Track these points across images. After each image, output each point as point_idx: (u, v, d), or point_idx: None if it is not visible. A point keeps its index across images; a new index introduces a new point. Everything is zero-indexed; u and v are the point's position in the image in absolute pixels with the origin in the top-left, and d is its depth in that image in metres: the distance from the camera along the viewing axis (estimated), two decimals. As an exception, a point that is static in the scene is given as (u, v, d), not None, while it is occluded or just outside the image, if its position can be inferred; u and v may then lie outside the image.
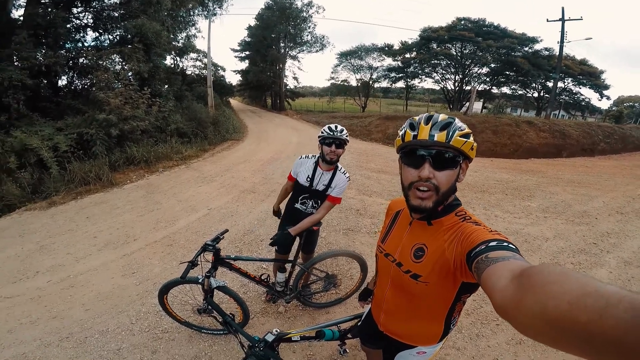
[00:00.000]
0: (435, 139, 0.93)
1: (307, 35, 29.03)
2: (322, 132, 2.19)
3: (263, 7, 27.33)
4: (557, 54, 20.09)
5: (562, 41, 18.41)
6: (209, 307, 2.15)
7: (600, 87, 27.93)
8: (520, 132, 13.45)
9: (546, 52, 26.16)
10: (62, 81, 9.68)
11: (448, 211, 1.02)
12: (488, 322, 2.79)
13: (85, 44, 10.45)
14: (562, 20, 18.02)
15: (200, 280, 2.09)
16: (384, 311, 1.24)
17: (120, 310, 2.78)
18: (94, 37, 10.70)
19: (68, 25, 9.36)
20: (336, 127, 2.18)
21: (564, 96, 29.06)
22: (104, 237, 4.12)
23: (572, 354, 0.39)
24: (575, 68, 26.48)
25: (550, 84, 24.97)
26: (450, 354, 2.43)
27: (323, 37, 29.53)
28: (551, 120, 17.11)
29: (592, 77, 27.42)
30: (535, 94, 29.89)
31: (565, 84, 28.23)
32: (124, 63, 9.46)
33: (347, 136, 2.20)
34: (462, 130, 0.95)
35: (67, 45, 9.70)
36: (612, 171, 10.46)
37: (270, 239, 2.30)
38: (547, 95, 27.11)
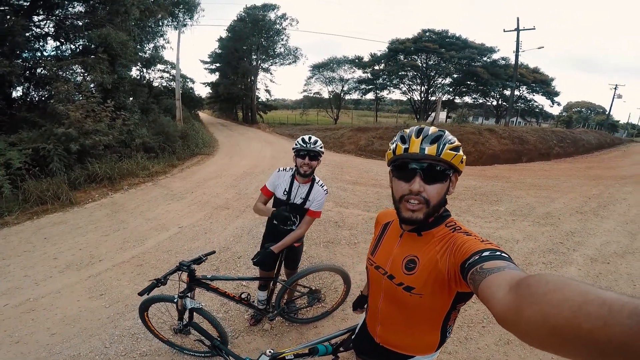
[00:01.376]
0: (426, 152, 0.94)
1: (280, 48, 29.28)
2: (295, 144, 2.17)
3: (235, 18, 27.38)
4: (513, 63, 21.62)
5: (517, 50, 19.84)
6: (186, 327, 2.11)
7: (551, 94, 30.43)
8: (483, 139, 14.24)
9: (503, 61, 28.23)
10: (17, 92, 9.05)
11: (438, 222, 1.03)
12: (474, 325, 2.85)
13: (45, 54, 9.88)
14: (517, 30, 19.45)
15: (174, 300, 2.02)
16: (380, 323, 1.22)
17: (91, 334, 2.60)
18: (55, 46, 10.16)
19: (27, 34, 8.81)
20: (310, 138, 2.17)
21: (520, 104, 31.28)
22: (66, 258, 3.83)
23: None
24: (529, 76, 28.71)
25: (507, 93, 26.81)
26: (443, 359, 2.45)
27: (296, 49, 29.82)
28: (510, 127, 18.31)
29: (544, 84, 29.83)
30: (495, 103, 31.95)
31: (521, 91, 30.43)
32: (86, 74, 8.99)
33: (321, 148, 2.19)
34: (452, 144, 0.96)
35: (24, 55, 9.09)
36: (568, 173, 11.29)
37: (252, 258, 2.23)
38: (505, 104, 29.13)
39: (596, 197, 7.43)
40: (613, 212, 6.31)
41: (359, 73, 32.18)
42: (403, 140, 1.00)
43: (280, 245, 2.21)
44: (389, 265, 1.11)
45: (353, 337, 1.56)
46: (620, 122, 52.95)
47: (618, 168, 13.08)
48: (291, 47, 29.50)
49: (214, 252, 2.28)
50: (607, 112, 40.20)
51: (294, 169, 2.30)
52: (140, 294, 1.86)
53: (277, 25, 27.76)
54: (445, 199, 1.02)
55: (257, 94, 30.35)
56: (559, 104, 32.61)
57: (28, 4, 8.90)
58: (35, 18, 9.42)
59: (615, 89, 34.82)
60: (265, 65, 30.08)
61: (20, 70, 7.85)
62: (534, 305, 0.45)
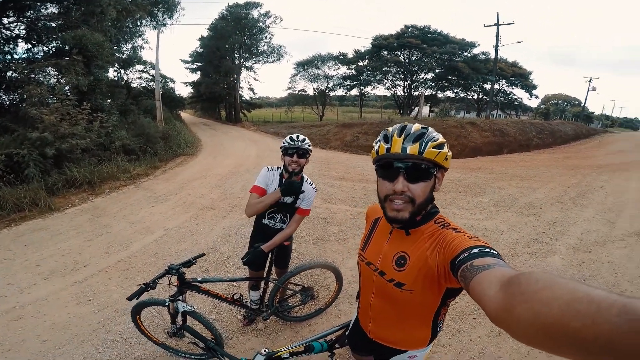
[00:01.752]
0: (408, 151, 0.93)
1: (264, 46, 29.02)
2: (283, 143, 2.14)
3: (217, 17, 26.90)
4: (493, 57, 22.13)
5: (497, 45, 20.30)
6: (179, 330, 2.09)
7: (529, 87, 31.39)
8: (465, 133, 14.55)
9: (483, 56, 28.94)
10: (-14, 97, 8.64)
11: (427, 219, 1.03)
12: (465, 317, 2.90)
13: (15, 57, 9.47)
14: (497, 25, 19.89)
15: (166, 304, 1.99)
16: (372, 319, 1.22)
17: (82, 340, 2.56)
18: (26, 48, 9.76)
19: (-4, 38, 8.44)
20: (297, 136, 2.14)
21: (499, 97, 32.11)
22: (49, 265, 3.71)
23: (565, 358, 0.40)
24: (507, 70, 29.51)
25: (487, 86, 27.45)
26: (437, 352, 2.48)
27: (280, 47, 29.57)
28: (491, 120, 18.77)
29: (522, 78, 30.72)
30: (475, 96, 32.67)
31: (500, 85, 31.22)
32: (60, 76, 8.66)
33: (309, 146, 2.17)
34: (435, 141, 0.95)
35: (-8, 58, 8.71)
36: (547, 164, 11.65)
37: (242, 258, 2.20)
38: (485, 97, 29.87)
39: (575, 186, 7.70)
40: (592, 200, 6.53)
41: (343, 69, 32.45)
42: (386, 139, 0.99)
43: (270, 245, 2.19)
44: (379, 262, 1.11)
45: (347, 333, 1.56)
46: (595, 114, 55.02)
47: (594, 158, 13.58)
48: (275, 45, 29.33)
49: (203, 254, 2.25)
50: (582, 104, 41.66)
51: (281, 167, 2.26)
52: (129, 298, 1.82)
53: (261, 23, 27.50)
54: (432, 197, 1.03)
55: (240, 92, 30.04)
56: (536, 97, 33.70)
57: None
58: (5, 20, 9.02)
59: (589, 81, 36.08)
60: (249, 64, 29.83)
61: (-12, 73, 7.50)
62: (524, 303, 0.45)
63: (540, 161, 12.43)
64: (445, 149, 0.97)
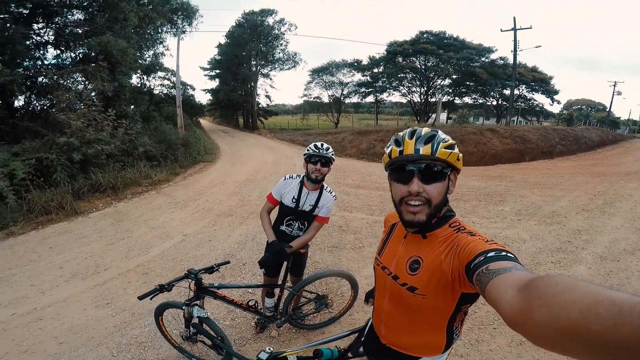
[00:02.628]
0: (421, 152, 0.95)
1: (279, 53, 29.34)
2: (307, 150, 2.16)
3: (234, 24, 27.42)
4: (512, 62, 21.65)
5: (515, 50, 19.88)
6: (193, 335, 2.12)
7: (550, 92, 30.45)
8: (484, 139, 14.23)
9: (501, 61, 28.26)
10: (19, 102, 9.08)
11: (442, 223, 1.02)
12: (485, 327, 2.82)
13: (46, 62, 9.94)
14: (515, 29, 19.50)
15: (183, 307, 2.04)
16: (384, 324, 1.21)
17: (98, 343, 2.61)
18: (55, 54, 10.24)
19: (27, 42, 8.86)
20: (322, 145, 2.16)
21: (520, 103, 31.28)
22: (71, 268, 3.83)
23: None
24: (527, 75, 28.74)
25: (507, 92, 26.83)
26: (454, 362, 2.41)
27: (295, 54, 29.87)
28: (511, 126, 18.31)
29: (543, 83, 29.83)
30: (495, 102, 31.95)
31: (520, 91, 30.43)
32: (86, 82, 9.03)
33: (333, 155, 2.19)
34: (446, 142, 0.97)
35: (25, 63, 9.16)
36: (572, 171, 11.21)
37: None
38: (505, 103, 29.15)
39: (602, 195, 7.38)
40: (619, 209, 6.25)
41: (358, 76, 32.33)
42: (397, 143, 1.01)
43: (295, 246, 2.19)
44: (393, 266, 1.11)
45: (362, 338, 1.54)
46: (621, 119, 52.91)
47: (622, 164, 12.99)
48: (290, 52, 29.67)
49: (228, 262, 2.28)
50: (607, 109, 40.17)
51: (302, 175, 2.28)
52: (140, 298, 1.86)
53: (276, 30, 27.86)
54: (447, 199, 1.02)
55: (257, 99, 30.47)
56: (558, 102, 32.70)
57: (27, 12, 8.95)
58: (35, 26, 9.47)
59: (614, 85, 34.84)
60: (265, 71, 30.22)
61: (21, 79, 7.87)
62: (542, 307, 0.44)
63: (564, 168, 11.99)
64: (456, 150, 0.99)
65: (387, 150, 1.03)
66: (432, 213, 0.96)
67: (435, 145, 0.95)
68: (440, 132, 0.99)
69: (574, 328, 0.38)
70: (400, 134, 1.02)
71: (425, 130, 0.99)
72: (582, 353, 0.39)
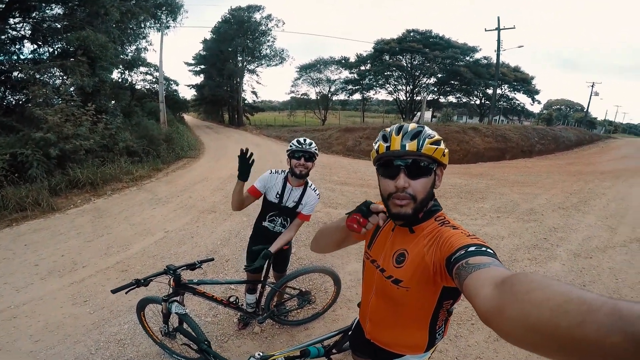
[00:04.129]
0: (407, 148, 0.96)
1: (267, 49, 29.07)
2: (290, 146, 2.16)
3: (220, 20, 27.05)
4: (495, 62, 22.09)
5: (498, 49, 20.27)
6: (172, 331, 2.11)
7: (531, 92, 31.32)
8: (467, 138, 14.52)
9: (485, 60, 28.83)
10: (-7, 96, 8.72)
11: (428, 217, 1.04)
12: (463, 322, 2.88)
13: (22, 57, 9.58)
14: (498, 29, 19.87)
15: (161, 303, 2.03)
16: (369, 318, 1.23)
17: (75, 341, 2.55)
18: (32, 49, 9.84)
19: (3, 37, 8.54)
20: (305, 140, 2.16)
21: (502, 102, 32.00)
22: (47, 265, 3.73)
23: (550, 358, 0.41)
24: (510, 75, 29.44)
25: (490, 91, 27.37)
26: (434, 357, 2.46)
27: (283, 50, 29.66)
28: (493, 125, 18.72)
29: (524, 83, 30.62)
30: (478, 102, 32.56)
31: (503, 90, 31.14)
32: (65, 77, 8.75)
33: (316, 149, 2.19)
34: (431, 138, 0.98)
35: (-1, 58, 8.80)
36: (549, 170, 11.58)
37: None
38: (488, 102, 29.71)
39: (577, 193, 7.65)
40: (593, 207, 6.48)
41: (345, 74, 32.36)
42: (385, 138, 1.02)
43: (276, 247, 2.19)
44: (381, 259, 1.12)
45: (350, 332, 1.56)
46: (598, 119, 54.76)
47: (597, 164, 13.49)
48: (277, 49, 29.44)
49: (212, 259, 2.26)
50: (585, 110, 41.50)
51: (285, 171, 2.27)
52: (114, 291, 1.83)
53: (263, 27, 27.60)
54: (432, 193, 1.04)
55: (243, 95, 30.11)
56: (539, 102, 33.67)
57: (3, 6, 8.60)
58: (11, 20, 9.11)
59: (592, 86, 35.98)
60: (252, 67, 29.94)
61: (-6, 73, 7.58)
62: (515, 303, 0.46)
63: (543, 167, 12.36)
64: (442, 146, 1.00)
65: (375, 146, 1.05)
66: (418, 207, 0.98)
67: (421, 142, 0.96)
68: (426, 128, 1.00)
69: (544, 325, 0.40)
70: (388, 129, 1.04)
71: (412, 126, 1.00)
72: (550, 350, 0.40)
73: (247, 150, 2.03)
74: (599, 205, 6.58)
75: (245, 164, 2.04)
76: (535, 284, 0.45)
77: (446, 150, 1.01)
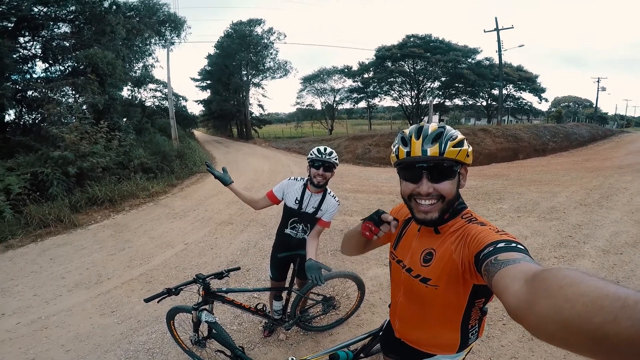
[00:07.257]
0: (429, 153, 0.91)
1: (270, 62, 29.44)
2: (310, 154, 2.15)
3: (222, 35, 27.57)
4: (497, 62, 21.99)
5: (499, 50, 20.25)
6: (202, 340, 2.11)
7: (537, 90, 30.90)
8: (477, 140, 14.40)
9: (487, 61, 28.61)
10: (10, 116, 8.97)
11: (454, 216, 1.02)
12: (494, 323, 2.81)
13: (34, 76, 9.85)
14: (497, 30, 19.86)
15: (191, 312, 2.04)
16: (399, 317, 1.21)
17: (105, 350, 2.59)
18: (44, 68, 10.15)
19: (15, 55, 8.79)
20: (325, 149, 2.14)
21: (509, 102, 31.66)
22: (73, 278, 3.81)
23: (581, 355, 0.39)
24: (513, 74, 29.18)
25: (495, 92, 27.17)
26: (466, 358, 2.40)
27: (286, 62, 30.02)
28: (503, 126, 18.56)
29: (529, 81, 30.28)
30: (484, 103, 32.29)
31: (508, 90, 30.82)
32: (77, 95, 8.96)
33: (336, 159, 2.17)
34: (454, 140, 0.93)
35: (13, 77, 9.05)
36: (566, 167, 11.37)
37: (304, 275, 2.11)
38: (494, 103, 29.42)
39: (597, 189, 7.47)
40: (617, 202, 6.32)
41: (349, 82, 32.44)
42: (404, 142, 0.97)
43: (314, 255, 2.09)
44: (408, 259, 1.10)
45: (381, 333, 1.53)
46: (608, 114, 53.87)
47: (614, 158, 13.20)
48: (281, 61, 29.81)
49: (238, 268, 2.27)
50: (593, 105, 40.91)
51: (305, 178, 2.27)
52: (147, 300, 1.85)
53: (265, 40, 28.02)
54: (459, 193, 1.02)
55: (250, 109, 30.50)
56: (546, 100, 33.19)
57: (12, 25, 8.88)
58: (22, 39, 9.41)
59: (598, 82, 35.54)
60: (256, 80, 30.28)
61: (10, 92, 7.77)
62: (547, 298, 0.44)
63: (558, 165, 12.15)
64: (465, 146, 0.95)
65: (394, 150, 1.01)
66: (445, 209, 0.95)
67: (443, 145, 0.91)
68: (448, 128, 0.95)
69: (576, 321, 0.38)
70: (407, 131, 0.98)
71: (432, 127, 0.95)
72: (581, 347, 0.39)
73: (209, 164, 2.20)
74: (622, 200, 6.41)
75: (215, 174, 2.18)
76: (569, 279, 0.44)
77: (470, 149, 0.97)
